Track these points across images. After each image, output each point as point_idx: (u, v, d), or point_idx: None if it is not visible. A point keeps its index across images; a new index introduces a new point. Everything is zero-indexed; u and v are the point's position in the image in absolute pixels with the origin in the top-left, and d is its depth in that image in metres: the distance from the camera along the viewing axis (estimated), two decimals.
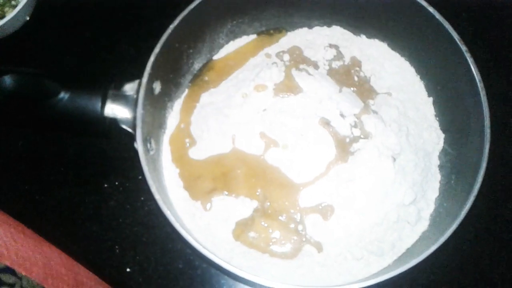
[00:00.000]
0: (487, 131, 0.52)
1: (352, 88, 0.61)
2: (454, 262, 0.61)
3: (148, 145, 0.54)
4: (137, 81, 0.52)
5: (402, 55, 0.64)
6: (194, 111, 0.62)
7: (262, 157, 0.56)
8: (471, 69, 0.54)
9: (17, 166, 0.65)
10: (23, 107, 0.49)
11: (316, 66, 0.62)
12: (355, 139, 0.56)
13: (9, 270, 0.44)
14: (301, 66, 0.61)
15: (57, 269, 0.49)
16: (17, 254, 0.46)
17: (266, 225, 0.55)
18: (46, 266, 0.48)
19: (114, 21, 0.72)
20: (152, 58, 0.53)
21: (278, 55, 0.63)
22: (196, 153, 0.59)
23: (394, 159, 0.55)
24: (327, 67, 0.62)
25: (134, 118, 0.51)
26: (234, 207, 0.56)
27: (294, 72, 0.60)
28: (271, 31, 0.66)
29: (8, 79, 0.48)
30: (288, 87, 0.59)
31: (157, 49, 0.53)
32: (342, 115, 0.57)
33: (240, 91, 0.59)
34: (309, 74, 0.60)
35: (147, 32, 0.70)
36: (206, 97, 0.62)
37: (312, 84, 0.58)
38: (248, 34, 0.66)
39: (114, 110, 0.51)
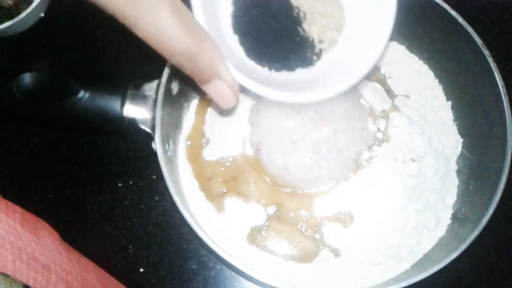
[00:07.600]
0: (510, 138, 0.51)
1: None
2: (470, 268, 0.61)
3: (166, 146, 0.53)
4: (155, 82, 0.52)
5: (421, 58, 0.63)
6: (208, 110, 0.61)
7: None
8: (493, 74, 0.53)
9: (31, 165, 0.65)
10: (42, 106, 0.48)
11: None
12: (378, 142, 0.55)
13: None
14: None
15: None
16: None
17: (281, 232, 0.54)
18: None
19: None
20: None
21: None
22: (209, 154, 0.58)
23: (417, 164, 0.54)
24: None
25: (153, 118, 0.50)
26: (248, 212, 0.55)
27: None
28: None
29: (27, 78, 0.47)
30: None
31: None
32: (372, 109, 0.56)
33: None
34: None
35: None
36: None
37: None
38: None
39: (133, 110, 0.50)
